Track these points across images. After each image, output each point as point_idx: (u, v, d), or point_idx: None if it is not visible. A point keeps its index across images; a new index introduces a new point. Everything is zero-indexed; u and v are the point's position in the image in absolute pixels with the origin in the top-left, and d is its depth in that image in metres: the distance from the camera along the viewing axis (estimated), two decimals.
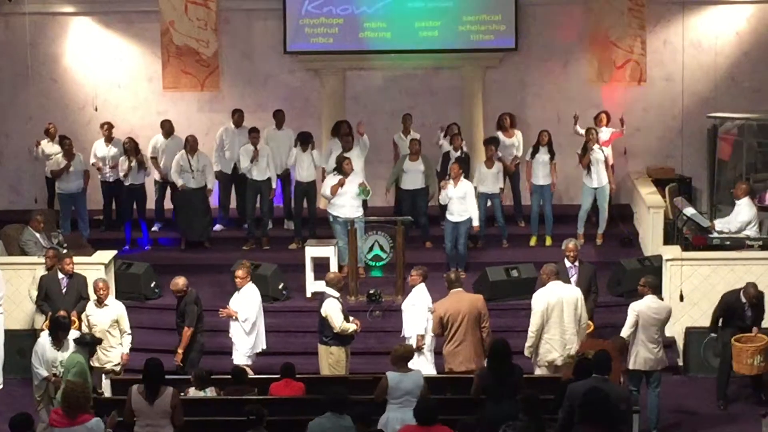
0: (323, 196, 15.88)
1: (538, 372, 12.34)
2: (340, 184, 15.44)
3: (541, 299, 12.28)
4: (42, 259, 14.22)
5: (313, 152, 16.95)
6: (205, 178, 16.99)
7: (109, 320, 12.82)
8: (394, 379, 10.72)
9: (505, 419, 9.78)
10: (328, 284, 12.84)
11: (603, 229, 16.85)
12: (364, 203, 16.00)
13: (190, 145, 16.90)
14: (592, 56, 18.34)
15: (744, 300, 12.85)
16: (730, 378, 13.10)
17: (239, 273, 13.23)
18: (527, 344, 12.31)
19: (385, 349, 12.37)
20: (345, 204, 15.48)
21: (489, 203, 16.73)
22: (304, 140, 16.87)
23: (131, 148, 17.07)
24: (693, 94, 18.02)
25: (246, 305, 13.11)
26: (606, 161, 16.61)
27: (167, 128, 17.70)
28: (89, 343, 11.81)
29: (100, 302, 12.90)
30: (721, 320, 13.05)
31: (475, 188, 16.23)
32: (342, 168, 15.54)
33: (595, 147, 16.50)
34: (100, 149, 17.64)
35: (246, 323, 13.06)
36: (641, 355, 12.14)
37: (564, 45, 18.49)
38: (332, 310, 12.57)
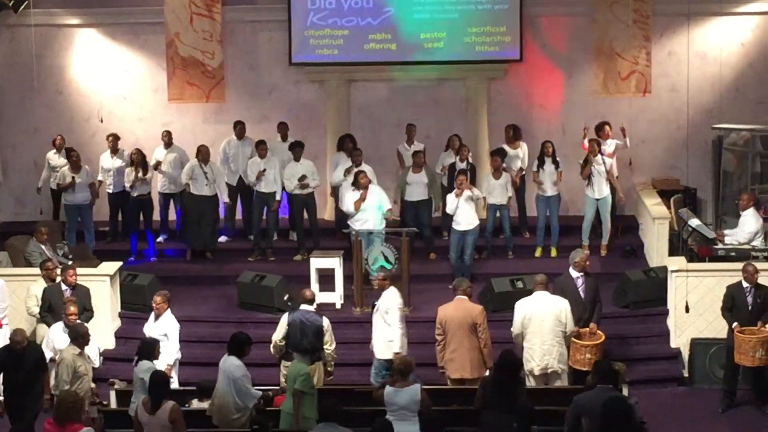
0: (347, 213, 15.78)
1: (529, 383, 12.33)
2: (362, 198, 15.40)
3: (521, 307, 12.43)
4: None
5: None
6: (218, 187, 17.05)
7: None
8: (388, 393, 10.70)
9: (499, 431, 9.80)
10: (305, 301, 12.57)
11: (607, 240, 16.84)
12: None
13: (203, 155, 16.92)
14: (597, 68, 18.36)
15: (745, 285, 12.90)
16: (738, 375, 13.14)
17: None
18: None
19: None
20: (368, 219, 15.44)
21: (497, 214, 16.75)
22: (299, 149, 16.85)
23: (138, 160, 17.12)
24: (698, 106, 18.01)
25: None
26: (610, 173, 16.60)
27: (166, 139, 17.73)
28: (308, 350, 11.95)
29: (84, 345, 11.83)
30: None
31: (484, 199, 16.31)
32: (358, 182, 15.51)
33: (598, 158, 16.49)
34: (106, 161, 17.68)
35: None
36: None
37: (569, 56, 18.51)
38: (330, 328, 12.40)
